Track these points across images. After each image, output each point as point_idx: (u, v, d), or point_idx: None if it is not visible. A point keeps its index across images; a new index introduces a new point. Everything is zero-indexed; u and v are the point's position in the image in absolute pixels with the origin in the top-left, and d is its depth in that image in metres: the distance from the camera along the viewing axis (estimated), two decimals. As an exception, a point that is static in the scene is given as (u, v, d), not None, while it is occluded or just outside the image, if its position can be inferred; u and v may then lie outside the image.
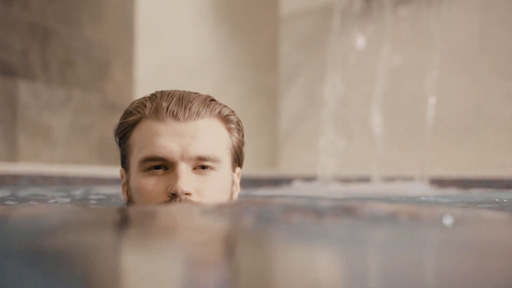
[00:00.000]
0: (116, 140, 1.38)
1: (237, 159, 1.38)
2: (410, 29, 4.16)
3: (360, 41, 4.23)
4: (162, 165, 1.28)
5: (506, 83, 3.93)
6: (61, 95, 3.45)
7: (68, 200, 1.91)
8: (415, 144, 3.99)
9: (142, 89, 3.69)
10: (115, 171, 3.02)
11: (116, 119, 1.41)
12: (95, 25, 3.69)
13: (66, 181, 3.15)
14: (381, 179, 3.90)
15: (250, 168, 4.12)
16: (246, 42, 4.60)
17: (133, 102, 1.37)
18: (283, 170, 4.49)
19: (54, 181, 3.09)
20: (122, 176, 1.39)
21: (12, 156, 3.19)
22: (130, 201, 1.34)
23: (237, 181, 1.40)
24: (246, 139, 1.43)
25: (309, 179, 4.08)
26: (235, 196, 1.39)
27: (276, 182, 4.19)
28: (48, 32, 3.39)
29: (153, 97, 1.33)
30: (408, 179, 3.83)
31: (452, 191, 3.45)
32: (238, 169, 1.40)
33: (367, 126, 4.14)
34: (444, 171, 3.86)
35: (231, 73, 4.50)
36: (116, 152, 1.42)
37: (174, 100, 1.29)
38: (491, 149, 3.95)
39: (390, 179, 3.88)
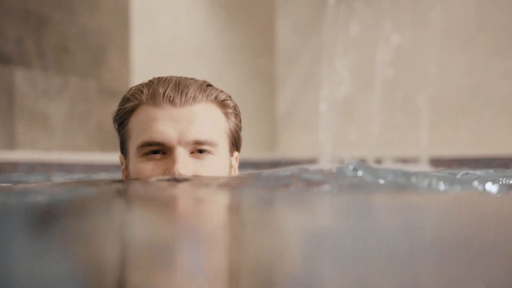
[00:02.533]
0: (114, 126, 1.39)
1: (235, 144, 1.39)
2: (407, 9, 4.15)
3: (357, 23, 4.21)
4: (160, 150, 1.29)
5: (503, 61, 3.93)
6: (57, 83, 3.44)
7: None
8: (413, 124, 3.99)
9: (138, 75, 3.68)
10: (114, 157, 3.02)
11: (113, 105, 1.42)
12: (90, 11, 3.67)
13: (65, 168, 3.16)
14: (381, 160, 3.91)
15: (249, 152, 4.13)
16: (243, 26, 4.59)
17: (130, 89, 1.38)
18: (282, 153, 4.50)
19: (53, 169, 3.09)
20: (121, 162, 1.41)
21: (10, 144, 3.19)
22: None
23: (235, 165, 1.41)
24: (244, 124, 1.43)
25: (309, 161, 4.09)
26: None
27: (276, 165, 4.20)
28: (43, 19, 3.38)
29: (150, 83, 1.34)
30: (407, 159, 3.84)
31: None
32: (236, 153, 1.41)
33: (366, 107, 4.14)
34: (442, 150, 3.87)
35: (227, 57, 4.49)
36: (114, 138, 1.43)
37: (170, 86, 1.30)
38: (489, 127, 3.96)
39: (389, 160, 3.89)
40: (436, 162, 3.77)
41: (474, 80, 4.00)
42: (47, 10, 3.41)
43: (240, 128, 1.40)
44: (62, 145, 3.44)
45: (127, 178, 1.36)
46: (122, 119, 1.36)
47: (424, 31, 4.02)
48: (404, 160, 3.84)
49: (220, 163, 1.33)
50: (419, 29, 4.05)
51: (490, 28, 3.96)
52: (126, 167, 1.37)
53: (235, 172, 1.41)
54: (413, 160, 3.83)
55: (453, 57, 4.04)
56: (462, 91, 4.03)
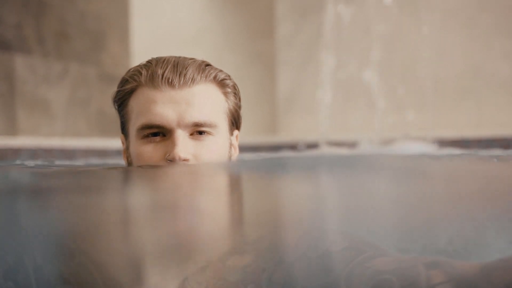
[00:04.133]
0: (115, 107, 1.40)
1: (235, 123, 1.40)
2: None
3: (356, 4, 4.20)
4: (160, 132, 1.30)
5: (504, 42, 3.92)
6: (58, 69, 3.44)
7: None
8: (414, 105, 3.99)
9: (138, 60, 3.66)
10: (115, 143, 3.03)
11: (114, 91, 1.42)
12: (89, -4, 3.67)
13: (66, 154, 3.16)
14: (381, 142, 3.91)
15: (250, 136, 4.13)
16: (242, 9, 4.58)
17: (129, 70, 1.39)
18: (282, 137, 4.50)
19: (55, 154, 3.10)
20: (122, 143, 1.42)
21: (12, 130, 3.20)
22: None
23: (236, 144, 1.42)
24: (244, 107, 1.44)
25: (309, 145, 4.09)
26: (234, 159, 1.41)
27: (276, 148, 4.21)
28: (43, 5, 3.37)
29: (148, 64, 1.35)
30: (409, 140, 3.84)
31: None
32: (236, 132, 1.42)
33: (366, 90, 4.14)
34: (443, 132, 3.87)
35: (227, 41, 4.48)
36: (115, 124, 1.44)
37: (169, 67, 1.31)
38: (490, 108, 3.95)
39: (390, 142, 3.89)
40: (437, 143, 3.77)
41: (475, 61, 3.99)
42: (46, -4, 3.41)
43: (239, 107, 1.41)
44: (63, 131, 3.45)
45: (128, 159, 1.37)
46: (121, 101, 1.37)
47: (424, 10, 4.00)
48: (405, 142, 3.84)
49: (220, 144, 1.33)
50: (419, 8, 4.04)
51: (492, 8, 3.95)
52: (127, 148, 1.38)
53: (236, 151, 1.41)
54: (416, 142, 3.83)
55: (453, 38, 4.03)
56: (463, 72, 4.02)
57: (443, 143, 3.75)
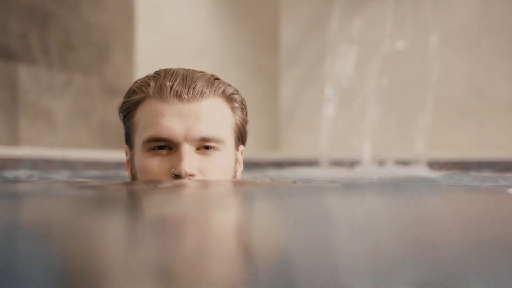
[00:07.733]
0: (120, 117, 1.38)
1: (241, 138, 1.39)
2: (410, 11, 4.14)
3: (360, 23, 4.21)
4: (166, 146, 1.28)
5: (506, 64, 3.92)
6: (61, 79, 3.44)
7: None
8: (416, 126, 3.98)
9: (142, 72, 3.67)
10: (117, 154, 3.02)
11: (117, 102, 1.41)
12: (94, 7, 3.67)
13: (67, 165, 3.15)
14: (382, 161, 3.90)
15: (251, 151, 4.12)
16: (247, 23, 4.58)
17: (137, 81, 1.37)
18: (284, 153, 4.49)
19: (56, 165, 3.09)
20: (126, 153, 1.40)
21: (13, 140, 3.18)
22: (134, 179, 1.34)
23: (241, 158, 1.40)
24: (246, 122, 1.43)
25: (311, 161, 4.08)
26: (239, 174, 1.40)
27: (278, 165, 4.19)
28: (47, 15, 3.38)
29: (157, 76, 1.33)
30: (409, 162, 3.83)
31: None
32: (241, 147, 1.41)
33: (368, 109, 4.14)
34: (444, 153, 3.86)
35: (231, 54, 4.48)
36: (117, 135, 1.42)
37: (178, 80, 1.29)
38: (492, 130, 3.95)
39: (391, 162, 3.88)
40: (439, 164, 3.76)
41: (477, 83, 3.99)
42: (52, 7, 3.41)
43: (246, 122, 1.40)
44: (65, 141, 3.44)
45: (132, 171, 1.35)
46: (128, 111, 1.35)
47: (427, 32, 4.01)
48: (406, 163, 3.84)
49: (226, 159, 1.32)
50: (422, 30, 4.05)
51: (494, 30, 3.96)
52: (131, 159, 1.36)
53: (240, 166, 1.40)
54: (415, 162, 3.82)
55: (456, 59, 4.03)
56: (465, 94, 4.02)
57: (444, 164, 3.74)
